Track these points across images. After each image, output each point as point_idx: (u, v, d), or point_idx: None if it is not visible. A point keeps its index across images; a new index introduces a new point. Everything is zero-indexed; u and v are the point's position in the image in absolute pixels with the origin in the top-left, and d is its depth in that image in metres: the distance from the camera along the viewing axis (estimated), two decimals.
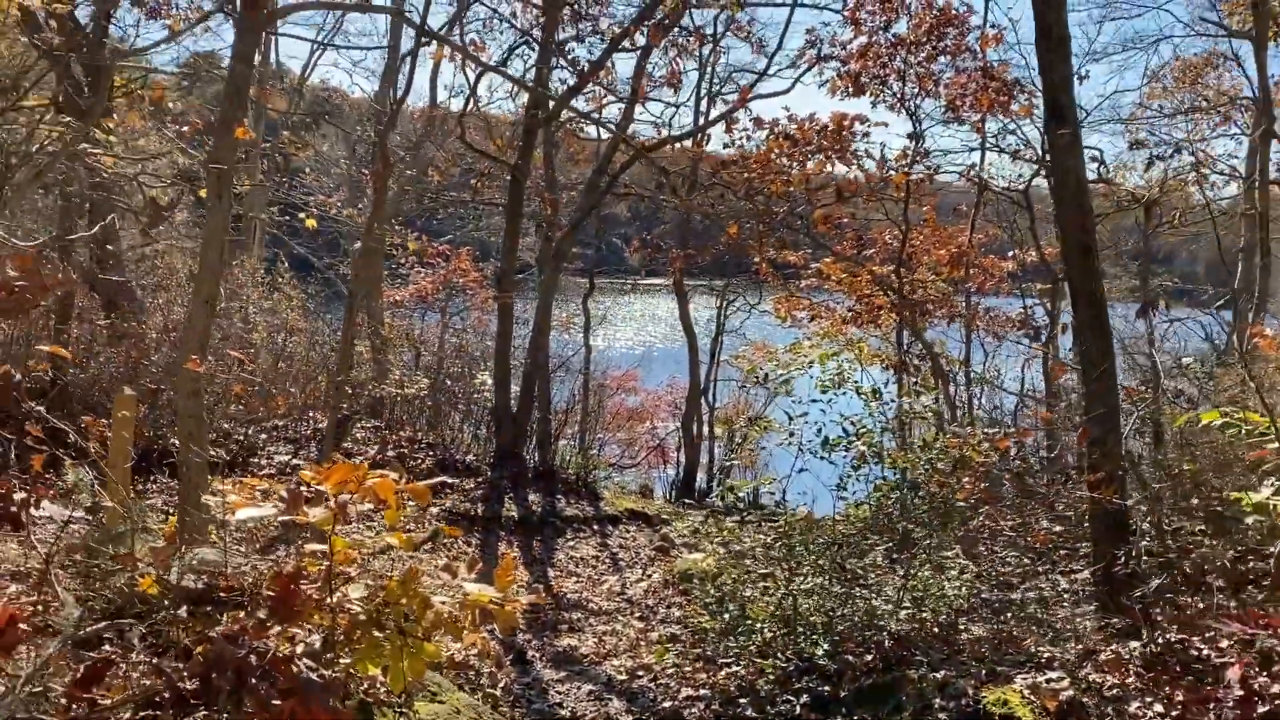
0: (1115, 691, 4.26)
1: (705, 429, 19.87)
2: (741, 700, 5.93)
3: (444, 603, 4.06)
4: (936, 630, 5.86)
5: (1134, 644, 5.01)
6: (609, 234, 47.71)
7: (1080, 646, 5.05)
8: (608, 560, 13.49)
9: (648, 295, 48.39)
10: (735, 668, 5.98)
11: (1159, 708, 4.05)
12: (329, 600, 4.04)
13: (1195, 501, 6.23)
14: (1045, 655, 4.99)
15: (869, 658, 5.76)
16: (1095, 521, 6.82)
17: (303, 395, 15.47)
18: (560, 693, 7.32)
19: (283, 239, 22.35)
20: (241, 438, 13.86)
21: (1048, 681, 4.46)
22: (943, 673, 5.12)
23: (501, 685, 7.25)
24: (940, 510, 6.22)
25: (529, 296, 19.10)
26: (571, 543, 13.97)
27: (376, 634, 3.99)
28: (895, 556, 6.82)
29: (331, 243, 23.08)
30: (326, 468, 4.01)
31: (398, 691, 3.86)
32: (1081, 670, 4.57)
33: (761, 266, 16.23)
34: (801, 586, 5.99)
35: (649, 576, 12.69)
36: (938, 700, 4.77)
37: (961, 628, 6.04)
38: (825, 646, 5.58)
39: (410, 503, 12.81)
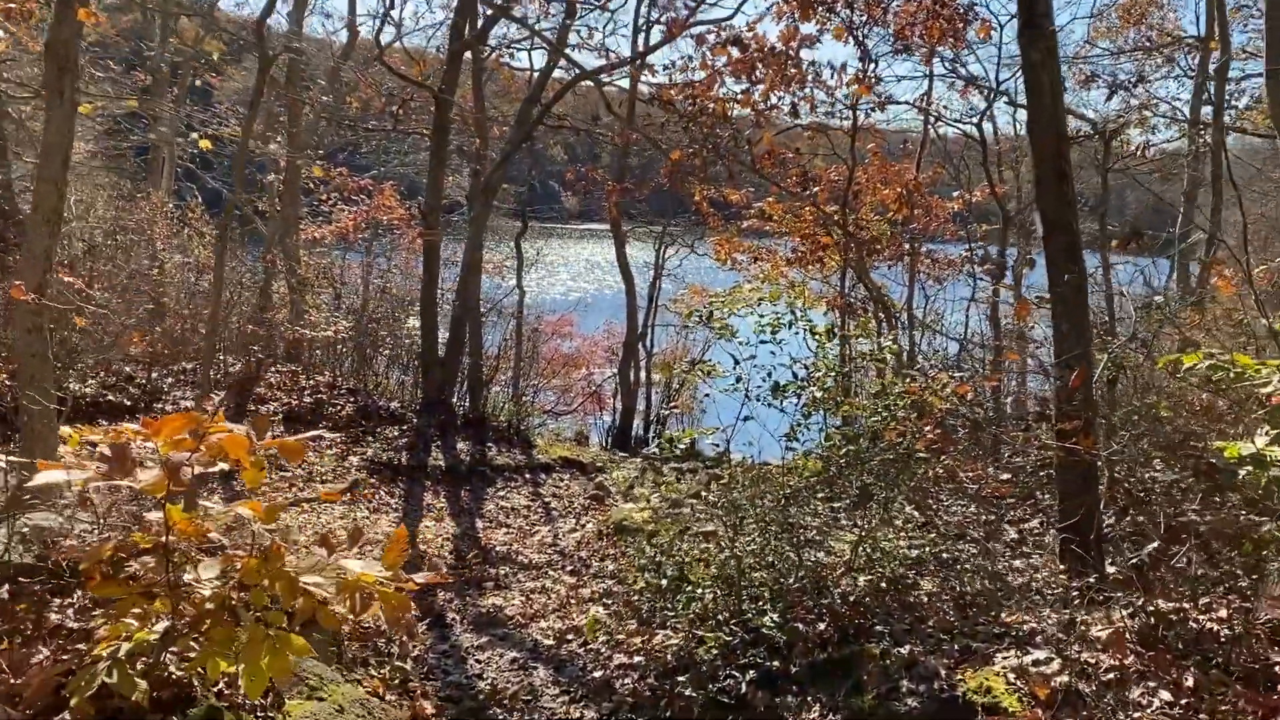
0: (1113, 675, 3.65)
1: (643, 375, 19.14)
2: (680, 675, 5.25)
3: (318, 584, 3.26)
4: (896, 595, 5.23)
5: (1119, 614, 4.41)
6: (545, 178, 46.46)
7: (1060, 616, 4.45)
8: (540, 510, 12.76)
9: (584, 240, 47.33)
10: (673, 638, 5.30)
11: (1166, 695, 3.45)
12: (170, 583, 3.22)
13: (1177, 453, 5.69)
14: (1025, 627, 4.38)
15: (822, 627, 5.11)
16: (1064, 473, 6.22)
17: (214, 337, 14.35)
18: (480, 661, 6.59)
19: (196, 173, 20.93)
20: (144, 382, 12.78)
21: (1034, 663, 3.83)
22: (908, 647, 4.48)
23: (414, 655, 6.50)
24: (900, 461, 5.57)
25: (459, 237, 18.07)
26: (502, 492, 13.21)
27: (232, 624, 3.18)
28: (846, 513, 6.18)
29: (248, 178, 21.69)
30: (155, 420, 3.15)
31: (254, 698, 3.09)
32: (1069, 647, 3.96)
33: (701, 205, 15.42)
34: (747, 547, 5.31)
35: (583, 527, 12.00)
36: (905, 682, 4.13)
37: (923, 592, 5.42)
38: (773, 615, 4.91)
39: (330, 452, 11.70)
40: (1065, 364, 6.23)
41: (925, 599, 5.38)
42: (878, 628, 4.87)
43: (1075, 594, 4.84)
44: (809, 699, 4.53)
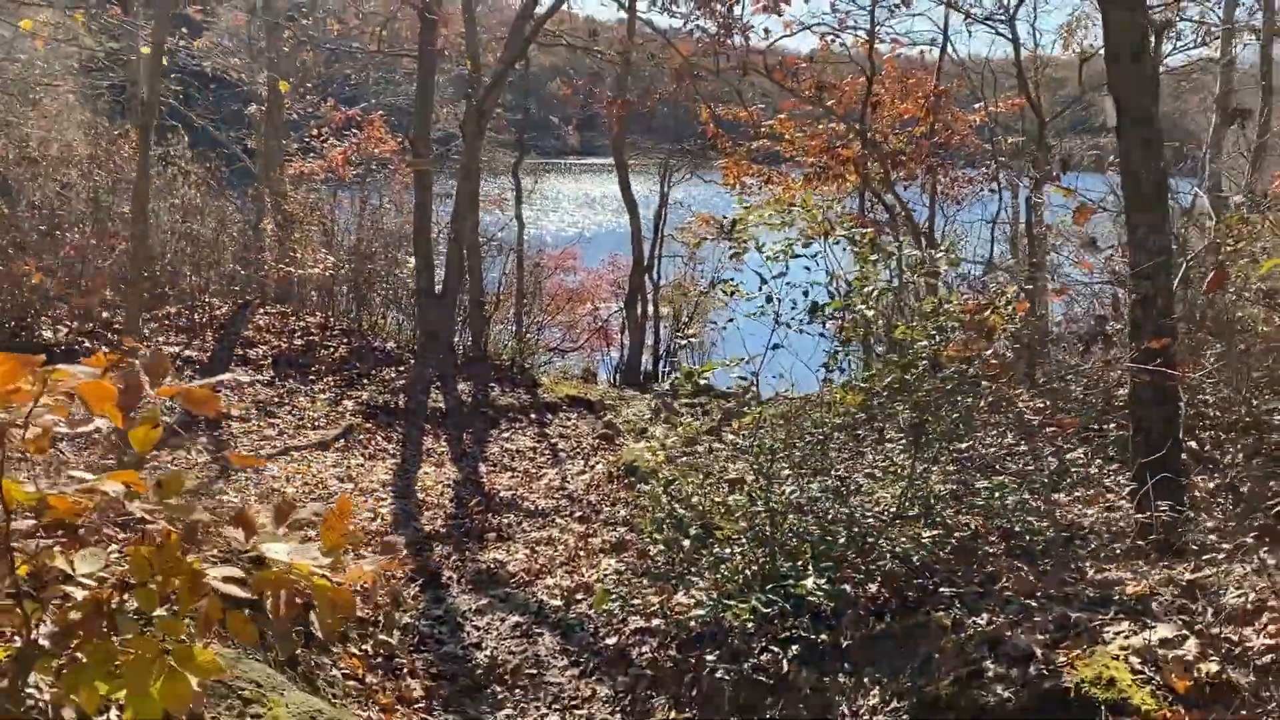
0: (1271, 658, 2.81)
1: (651, 309, 18.21)
2: (706, 646, 4.44)
3: (229, 579, 2.39)
4: (957, 550, 4.38)
5: (1237, 572, 3.56)
6: (545, 112, 45.00)
7: (1172, 575, 3.61)
8: (546, 452, 11.96)
9: (586, 175, 45.97)
10: (697, 605, 4.47)
11: None
12: (11, 586, 2.34)
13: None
14: (1128, 590, 3.54)
15: (873, 589, 4.27)
16: (1141, 403, 5.32)
17: (197, 279, 13.47)
18: (479, 628, 5.80)
19: (180, 110, 19.81)
20: (121, 325, 11.90)
21: (1162, 643, 3.00)
22: (984, 615, 3.65)
23: (405, 623, 5.68)
24: (959, 390, 4.69)
25: (455, 171, 17.01)
26: (506, 434, 12.40)
27: (109, 636, 2.32)
28: (891, 454, 5.31)
29: (235, 115, 20.58)
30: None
31: None
32: (1199, 619, 3.12)
33: (709, 125, 14.35)
34: (783, 496, 4.45)
35: (592, 468, 11.20)
36: (989, 664, 3.30)
37: (988, 544, 4.58)
38: (817, 578, 4.06)
39: (323, 396, 10.71)
40: (1145, 274, 5.29)
41: (991, 553, 4.54)
42: (943, 590, 4.03)
43: (1168, 546, 3.99)
44: (865, 680, 3.70)
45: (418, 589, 6.47)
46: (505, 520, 8.70)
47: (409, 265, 15.42)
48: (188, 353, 12.04)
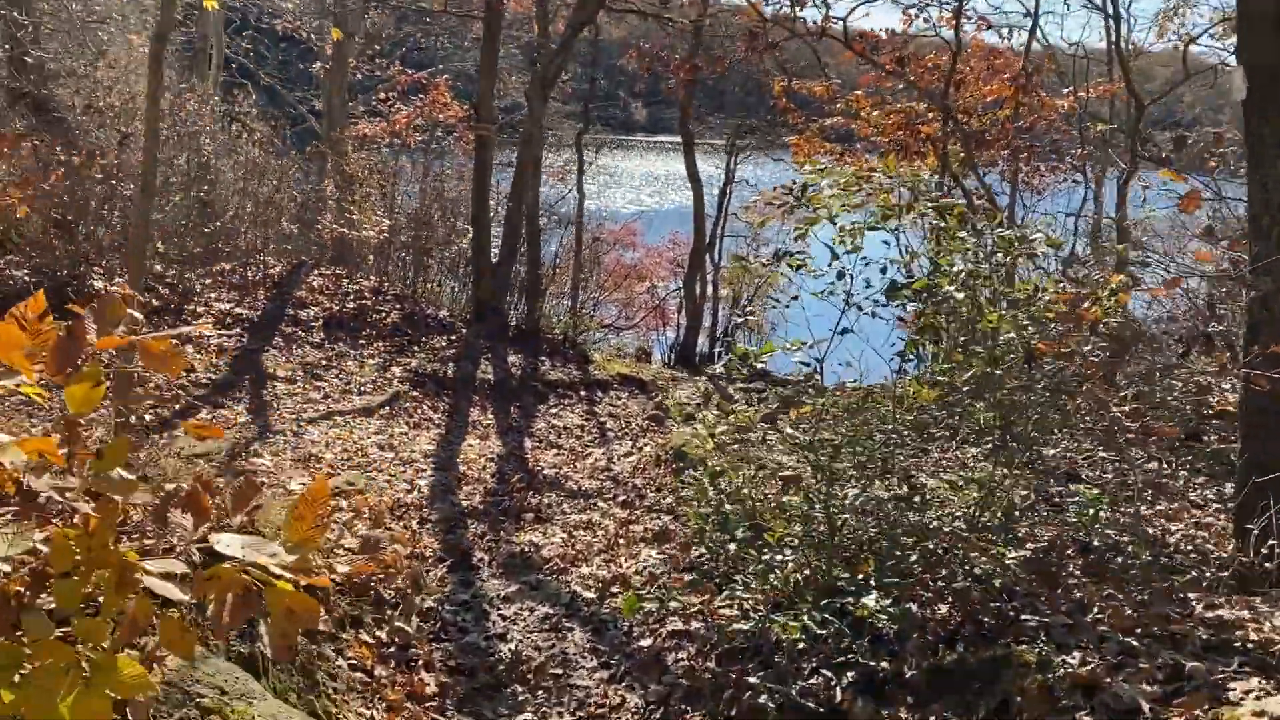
0: None
1: (710, 289, 17.65)
2: (750, 662, 3.94)
3: (167, 575, 1.94)
4: (1038, 571, 3.82)
5: None
6: (613, 87, 44.45)
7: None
8: (594, 430, 11.52)
9: (651, 153, 45.32)
10: (743, 617, 3.98)
11: None
12: None
13: None
14: (1251, 636, 2.97)
15: (944, 611, 3.74)
16: (1252, 414, 4.68)
17: (254, 237, 13.24)
18: (506, 617, 5.36)
19: (249, 68, 19.65)
20: (174, 281, 11.70)
21: None
22: (1078, 655, 3.10)
23: (429, 606, 5.26)
24: (1056, 390, 4.11)
25: (518, 141, 16.57)
26: (554, 410, 11.98)
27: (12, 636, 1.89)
28: (969, 457, 4.74)
29: (304, 75, 20.40)
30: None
31: None
32: None
33: (780, 99, 13.70)
34: (845, 500, 3.92)
35: (640, 450, 10.73)
36: (1085, 715, 2.76)
37: (1078, 570, 4.01)
38: (878, 595, 3.54)
39: (371, 361, 10.34)
40: (1267, 268, 4.64)
41: (1076, 576, 3.97)
42: (1025, 619, 3.49)
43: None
44: (931, 719, 3.18)
45: (446, 570, 6.06)
46: (545, 500, 8.27)
47: (468, 233, 15.07)
48: (238, 310, 11.79)
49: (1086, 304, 4.36)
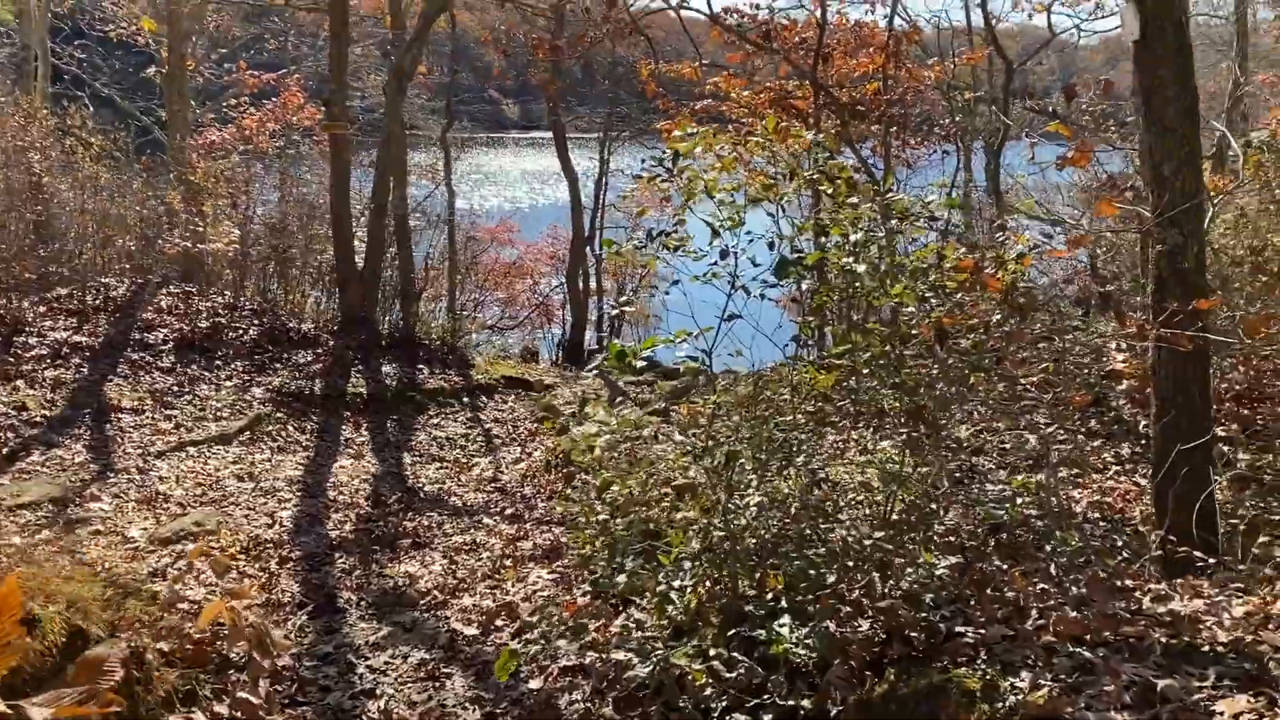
0: None
1: (593, 282, 17.06)
2: (651, 705, 3.37)
3: None
4: (969, 576, 3.36)
5: None
6: (481, 85, 43.37)
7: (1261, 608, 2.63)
8: (479, 439, 10.83)
9: (527, 151, 44.42)
10: (638, 660, 3.40)
11: None
12: None
13: None
14: (1220, 637, 2.54)
15: (866, 629, 3.23)
16: (1166, 379, 4.34)
17: (94, 255, 12.04)
18: (375, 670, 4.66)
19: (83, 78, 18.13)
20: (2, 311, 10.48)
21: None
22: (1026, 675, 2.61)
23: (283, 665, 4.53)
24: (975, 367, 3.66)
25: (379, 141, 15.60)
26: (435, 420, 11.23)
27: None
28: (870, 446, 4.27)
29: (147, 83, 18.91)
30: None
31: None
32: None
33: (649, 85, 13.19)
34: (745, 513, 3.38)
35: (528, 455, 10.12)
36: None
37: (996, 558, 3.56)
38: (794, 624, 3.00)
39: (229, 383, 9.35)
40: (1173, 220, 4.32)
41: (1007, 573, 3.52)
42: (960, 631, 3.00)
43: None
44: None
45: (307, 616, 5.32)
46: (425, 522, 7.56)
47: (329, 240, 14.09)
48: (77, 338, 10.65)
49: (991, 270, 3.92)
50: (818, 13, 11.29)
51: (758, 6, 10.64)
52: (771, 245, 3.97)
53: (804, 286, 4.12)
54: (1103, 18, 15.26)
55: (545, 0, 13.78)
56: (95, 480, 7.67)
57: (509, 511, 7.92)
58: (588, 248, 16.78)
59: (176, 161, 13.10)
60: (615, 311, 13.33)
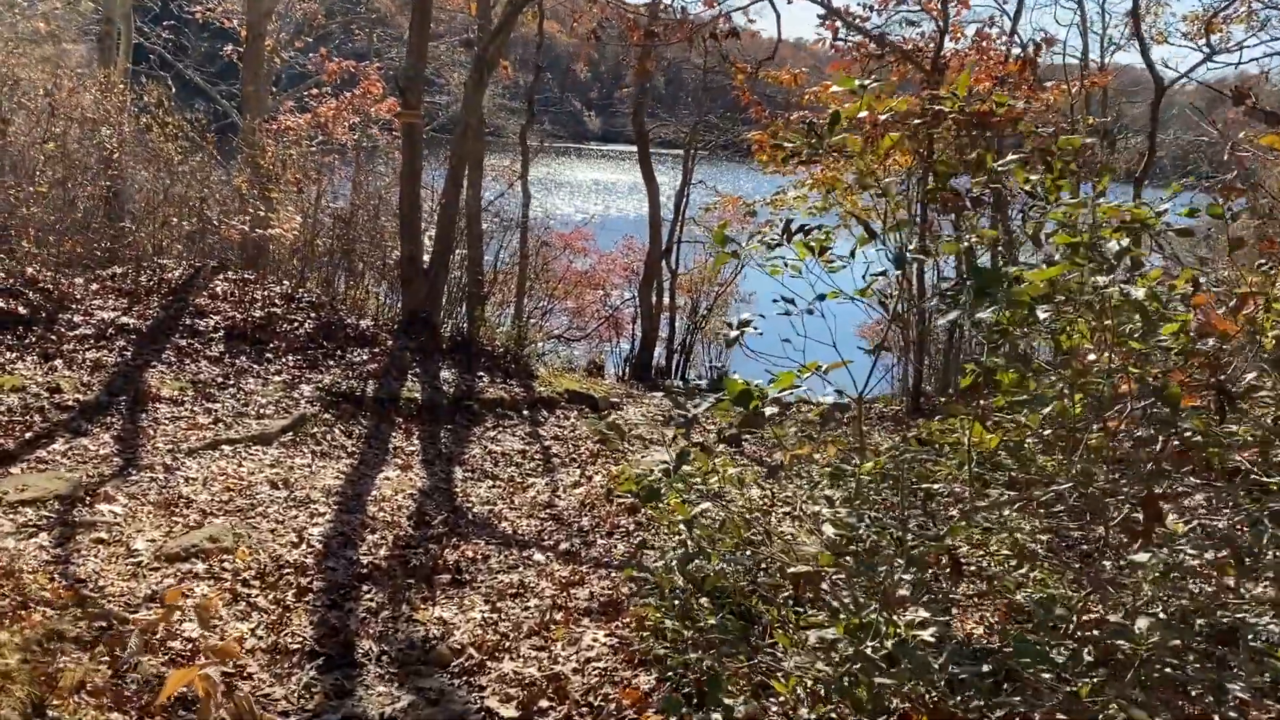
0: None
1: (667, 297, 16.06)
2: None
3: None
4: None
5: None
6: (565, 93, 42.82)
7: None
8: (537, 456, 9.87)
9: (606, 162, 43.73)
10: None
11: None
12: None
13: None
14: None
15: None
16: None
17: (150, 236, 11.38)
18: None
19: (168, 59, 17.73)
20: (50, 286, 9.83)
21: None
22: None
23: None
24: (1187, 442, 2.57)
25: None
26: (492, 433, 10.31)
27: None
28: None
29: (230, 67, 18.47)
30: None
31: None
32: None
33: (744, 93, 12.17)
34: (914, 635, 2.33)
35: (588, 480, 9.12)
36: None
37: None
38: None
39: (277, 378, 8.28)
40: None
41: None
42: None
43: None
44: None
45: (316, 670, 4.36)
46: (470, 551, 6.59)
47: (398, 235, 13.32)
48: (124, 319, 9.96)
49: (1239, 309, 2.81)
50: (929, 27, 10.17)
51: (871, 7, 9.56)
52: (965, 257, 2.92)
53: (988, 313, 3.05)
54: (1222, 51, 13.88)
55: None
56: (114, 476, 6.85)
57: (564, 547, 6.92)
58: (664, 262, 15.79)
59: (246, 143, 12.43)
60: (734, 334, 12.24)
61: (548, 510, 8.08)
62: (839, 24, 9.22)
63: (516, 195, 15.15)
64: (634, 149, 15.65)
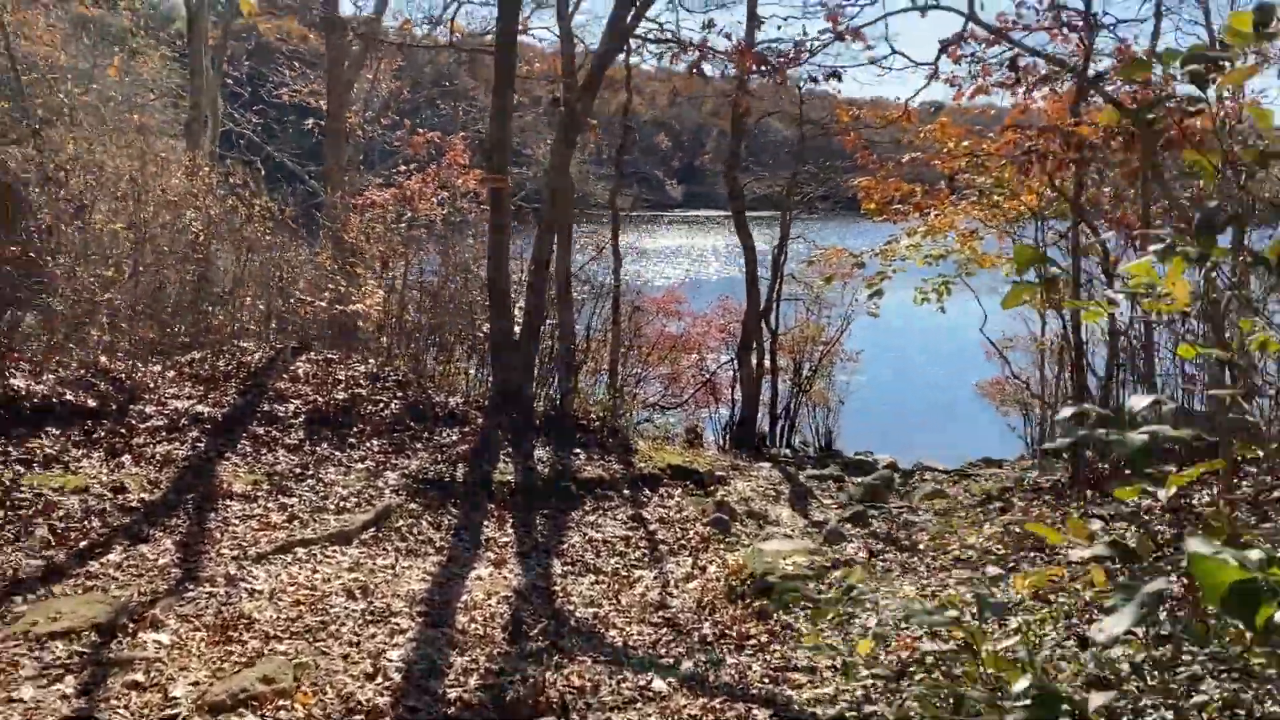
0: None
1: (767, 360, 14.76)
2: None
3: None
4: None
5: None
6: (646, 165, 42.40)
7: None
8: (642, 543, 8.65)
9: (686, 229, 42.85)
10: None
11: None
12: None
13: None
14: None
15: None
16: None
17: (230, 318, 10.63)
18: None
19: (259, 144, 17.40)
20: (123, 376, 9.06)
21: None
22: None
23: None
24: None
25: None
26: (591, 517, 9.13)
27: None
28: None
29: (318, 147, 18.08)
30: None
31: None
32: None
33: (849, 138, 10.99)
34: None
35: (701, 572, 7.86)
36: None
37: None
38: None
39: (360, 465, 7.17)
40: None
41: None
42: None
43: None
44: None
45: None
46: (574, 678, 5.34)
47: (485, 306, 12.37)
48: (199, 408, 9.12)
49: None
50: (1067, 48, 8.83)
51: (1012, 22, 8.29)
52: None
53: None
54: None
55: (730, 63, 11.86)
56: (169, 594, 5.83)
57: (686, 667, 5.63)
58: (763, 322, 14.54)
59: (329, 218, 11.70)
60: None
61: (660, 613, 6.83)
62: (962, 53, 8.01)
63: (605, 261, 14.14)
64: (718, 213, 14.61)
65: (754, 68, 9.52)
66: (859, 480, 11.84)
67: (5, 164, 10.61)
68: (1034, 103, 10.28)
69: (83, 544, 6.49)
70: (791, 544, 8.21)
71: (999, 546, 7.81)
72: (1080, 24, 7.68)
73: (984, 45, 8.53)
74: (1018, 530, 7.91)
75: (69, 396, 8.49)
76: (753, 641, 6.00)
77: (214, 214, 12.52)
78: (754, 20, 12.41)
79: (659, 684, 5.30)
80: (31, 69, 12.89)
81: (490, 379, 11.21)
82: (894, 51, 7.55)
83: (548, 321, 11.83)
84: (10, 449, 7.51)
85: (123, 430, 8.37)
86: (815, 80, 10.36)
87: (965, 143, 10.45)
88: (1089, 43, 8.02)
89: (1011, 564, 7.10)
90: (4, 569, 5.83)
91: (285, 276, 11.09)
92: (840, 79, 10.86)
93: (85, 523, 6.76)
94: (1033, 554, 7.37)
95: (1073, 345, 9.17)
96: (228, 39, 15.88)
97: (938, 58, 7.97)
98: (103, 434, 8.25)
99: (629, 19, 10.03)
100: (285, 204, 13.57)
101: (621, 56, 12.46)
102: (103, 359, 9.15)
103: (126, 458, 7.99)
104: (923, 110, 11.07)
